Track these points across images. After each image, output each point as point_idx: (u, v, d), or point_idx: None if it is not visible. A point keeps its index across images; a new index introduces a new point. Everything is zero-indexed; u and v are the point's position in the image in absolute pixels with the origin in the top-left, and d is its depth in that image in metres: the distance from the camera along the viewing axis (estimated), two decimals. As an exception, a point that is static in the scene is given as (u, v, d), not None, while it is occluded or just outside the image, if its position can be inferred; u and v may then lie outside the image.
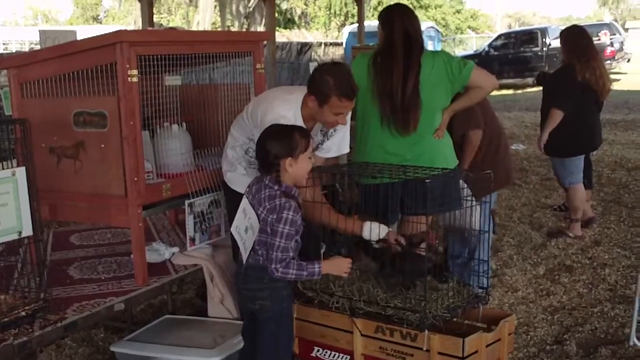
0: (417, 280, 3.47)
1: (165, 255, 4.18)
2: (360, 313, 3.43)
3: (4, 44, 31.65)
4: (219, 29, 31.89)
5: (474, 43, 37.75)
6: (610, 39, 24.53)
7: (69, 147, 3.85)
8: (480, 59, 23.56)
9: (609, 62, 22.71)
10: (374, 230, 3.63)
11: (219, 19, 34.01)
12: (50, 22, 58.50)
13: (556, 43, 8.85)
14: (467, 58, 5.09)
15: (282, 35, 34.51)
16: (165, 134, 4.15)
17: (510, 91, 22.95)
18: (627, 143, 11.70)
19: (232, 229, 3.33)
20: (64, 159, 3.88)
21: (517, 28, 42.12)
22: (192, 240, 4.12)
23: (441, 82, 4.10)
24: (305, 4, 45.55)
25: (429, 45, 24.95)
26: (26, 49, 26.39)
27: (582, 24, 13.00)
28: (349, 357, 3.53)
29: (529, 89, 23.01)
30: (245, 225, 3.23)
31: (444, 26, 42.92)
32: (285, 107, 3.62)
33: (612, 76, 9.61)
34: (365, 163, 4.08)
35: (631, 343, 4.28)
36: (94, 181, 3.81)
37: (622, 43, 26.12)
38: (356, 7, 16.91)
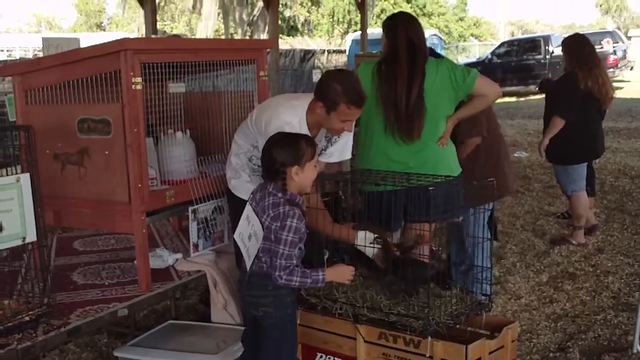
0: (420, 287, 3.47)
1: (168, 261, 4.20)
2: (363, 319, 3.43)
3: (7, 50, 31.76)
4: (222, 37, 31.96)
5: (477, 51, 37.79)
6: (613, 47, 24.53)
7: (73, 154, 3.87)
8: (483, 66, 23.55)
9: (611, 70, 22.71)
10: (367, 241, 3.64)
11: (222, 26, 34.05)
12: (53, 29, 58.65)
13: (559, 51, 8.90)
14: (470, 66, 5.09)
15: (285, 43, 34.56)
16: (169, 141, 4.17)
17: (513, 99, 22.94)
18: (630, 151, 11.70)
19: (235, 236, 3.34)
20: (68, 166, 3.90)
21: (520, 36, 42.13)
22: (196, 246, 4.13)
23: (445, 90, 4.11)
24: (309, 12, 45.63)
25: (432, 53, 24.91)
26: (30, 55, 26.46)
27: (584, 32, 13.03)
28: (351, 363, 3.53)
29: (531, 97, 22.99)
30: (248, 232, 3.24)
31: (447, 34, 43.02)
32: (290, 114, 3.63)
33: (615, 84, 9.63)
34: (368, 170, 4.08)
35: (634, 350, 4.28)
36: (98, 187, 3.82)
37: (624, 51, 26.12)
38: (359, 15, 16.97)
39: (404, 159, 4.12)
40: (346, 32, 41.15)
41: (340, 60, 27.38)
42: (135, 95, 3.66)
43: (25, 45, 32.53)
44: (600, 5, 62.30)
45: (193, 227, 4.07)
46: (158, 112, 3.92)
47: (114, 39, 3.88)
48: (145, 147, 3.76)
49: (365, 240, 3.66)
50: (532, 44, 25.44)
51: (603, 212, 7.67)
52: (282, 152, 3.20)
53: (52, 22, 62.22)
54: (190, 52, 4.13)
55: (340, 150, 3.96)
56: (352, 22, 42.94)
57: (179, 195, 4.01)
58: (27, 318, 3.23)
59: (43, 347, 3.21)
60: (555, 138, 6.26)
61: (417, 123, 4.05)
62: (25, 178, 3.18)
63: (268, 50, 5.19)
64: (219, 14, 32.95)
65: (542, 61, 24.33)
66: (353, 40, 26.47)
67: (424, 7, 47.75)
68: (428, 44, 4.31)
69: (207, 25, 32.36)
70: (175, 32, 37.88)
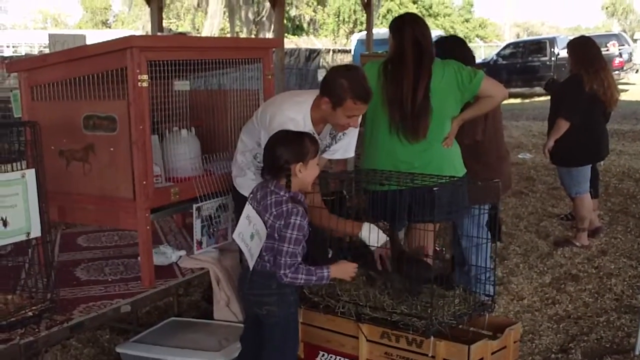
0: (424, 286, 3.47)
1: (172, 258, 4.20)
2: (366, 318, 3.43)
3: (13, 47, 31.80)
4: (227, 35, 31.98)
5: (482, 52, 37.70)
6: (619, 49, 24.52)
7: (79, 150, 3.87)
8: (488, 68, 23.50)
9: (617, 72, 22.67)
10: (372, 233, 3.64)
11: (227, 24, 34.08)
12: (59, 25, 58.75)
13: (564, 53, 8.90)
14: (475, 67, 5.08)
15: (291, 42, 34.60)
16: (174, 139, 4.18)
17: (518, 100, 22.92)
18: (635, 153, 11.69)
19: (235, 236, 3.34)
20: (73, 162, 3.91)
21: (525, 37, 42.09)
22: (199, 243, 4.13)
23: (451, 91, 4.11)
24: (314, 11, 45.64)
25: (437, 53, 24.91)
26: (35, 52, 26.46)
27: (590, 35, 13.01)
28: (354, 362, 3.54)
29: (536, 99, 22.98)
30: (250, 232, 3.24)
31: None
32: (295, 110, 3.64)
33: (621, 87, 9.61)
34: (373, 170, 4.08)
35: (637, 353, 4.28)
36: (102, 184, 3.83)
37: (630, 54, 26.12)
38: (365, 15, 16.96)
39: (408, 159, 4.12)
40: (352, 32, 41.18)
41: (346, 60, 27.39)
42: (141, 93, 3.66)
43: (31, 41, 32.57)
44: (607, 8, 62.18)
45: (197, 225, 4.08)
46: (163, 110, 3.93)
47: (121, 36, 3.88)
48: (150, 144, 3.76)
49: (369, 231, 3.66)
50: (538, 46, 25.43)
51: (607, 215, 7.67)
52: (287, 149, 3.21)
53: (58, 19, 62.32)
54: (197, 50, 4.13)
55: (344, 147, 3.97)
56: (358, 22, 42.98)
57: (184, 193, 4.02)
58: (30, 313, 3.23)
59: (45, 342, 3.22)
60: (559, 140, 6.25)
61: (423, 123, 4.05)
62: (31, 174, 3.18)
63: (274, 49, 5.19)
64: (224, 12, 33.00)
65: (548, 63, 24.31)
66: (358, 40, 26.49)
67: (430, 7, 47.80)
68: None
69: (213, 24, 32.42)
70: (180, 30, 37.89)
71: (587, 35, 8.40)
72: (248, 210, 3.28)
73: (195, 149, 4.27)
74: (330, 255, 3.87)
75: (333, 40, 42.71)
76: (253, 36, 33.00)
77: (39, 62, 4.21)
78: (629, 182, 9.37)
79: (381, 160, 4.17)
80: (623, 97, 9.45)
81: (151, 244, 3.87)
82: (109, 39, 3.97)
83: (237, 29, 32.76)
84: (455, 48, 4.96)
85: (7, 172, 3.17)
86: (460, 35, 47.20)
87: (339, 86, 3.49)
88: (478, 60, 30.12)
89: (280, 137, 3.29)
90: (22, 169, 3.19)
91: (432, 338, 3.23)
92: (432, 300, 3.31)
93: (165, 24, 23.45)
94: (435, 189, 3.38)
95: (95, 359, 4.35)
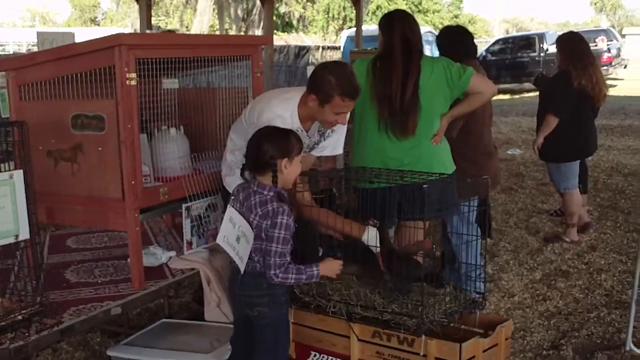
0: (414, 285, 3.47)
1: (162, 259, 4.18)
2: (357, 318, 3.42)
3: (1, 45, 31.63)
4: (217, 32, 31.91)
5: (472, 48, 37.75)
6: (607, 45, 24.62)
7: (67, 150, 3.84)
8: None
9: (605, 68, 22.80)
10: (375, 236, 3.64)
11: (217, 21, 34.01)
12: (47, 23, 58.57)
13: (553, 48, 8.92)
14: (474, 59, 5.11)
15: (280, 39, 34.55)
16: (163, 138, 4.15)
17: (507, 96, 22.97)
18: (623, 149, 11.73)
19: (219, 240, 3.30)
20: (62, 162, 3.88)
21: (514, 33, 42.17)
22: (189, 244, 4.11)
23: (440, 88, 4.11)
24: (304, 8, 45.60)
25: (427, 50, 24.94)
26: (24, 50, 26.35)
27: (579, 30, 13.03)
28: (345, 361, 3.53)
29: (526, 94, 23.05)
30: (236, 234, 3.21)
31: (441, 31, 42.93)
32: (283, 107, 3.62)
33: (609, 82, 9.67)
34: (362, 167, 4.08)
35: (627, 348, 4.29)
36: (91, 184, 3.80)
37: (619, 49, 26.22)
38: (354, 11, 16.95)
39: (398, 156, 4.11)
40: (341, 29, 41.16)
41: (335, 57, 27.33)
42: (129, 91, 3.63)
43: (19, 40, 32.42)
44: (595, 4, 62.44)
45: (186, 225, 4.06)
46: (152, 108, 3.90)
47: (109, 34, 3.85)
48: (139, 143, 3.74)
49: (373, 234, 3.66)
50: (527, 42, 25.49)
51: (596, 210, 7.69)
52: (273, 144, 3.18)
53: (46, 17, 62.10)
54: (185, 48, 4.11)
55: (333, 144, 3.96)
56: (347, 19, 42.98)
57: (173, 192, 3.99)
58: (19, 317, 3.20)
59: (36, 346, 3.19)
60: (548, 136, 6.27)
61: (412, 120, 4.05)
62: (19, 175, 3.16)
63: (263, 46, 5.17)
64: (214, 9, 32.94)
65: (537, 59, 24.37)
66: (348, 37, 26.43)
67: (420, 4, 47.84)
68: (423, 41, 4.30)
69: (203, 21, 32.36)
70: (169, 27, 37.80)
71: (575, 30, 8.41)
72: (230, 212, 3.26)
73: (184, 148, 4.25)
74: (320, 254, 3.86)
75: (322, 37, 42.70)
76: (242, 33, 32.95)
77: (26, 61, 4.17)
78: (618, 177, 9.40)
79: (370, 157, 4.17)
80: (611, 92, 9.50)
81: (141, 245, 3.84)
82: (98, 36, 3.93)
83: (226, 26, 32.72)
84: (456, 39, 4.99)
85: (-5, 173, 3.14)
86: (449, 31, 47.49)
87: (326, 83, 3.47)
88: (467, 56, 30.25)
89: (266, 133, 3.27)
90: (10, 170, 3.17)
91: (423, 337, 3.23)
92: (423, 299, 3.30)
93: (154, 21, 23.38)
94: (425, 186, 3.38)
95: (86, 362, 4.34)
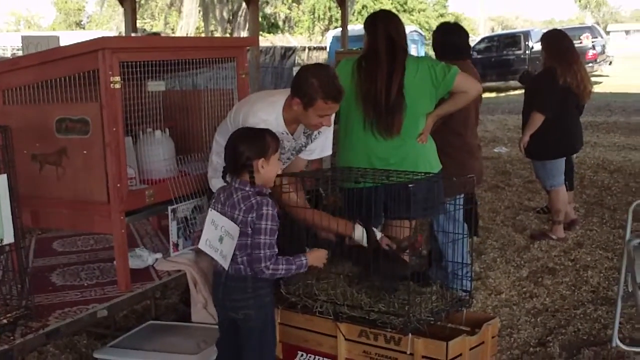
0: (400, 284, 3.48)
1: (148, 261, 4.16)
2: (343, 317, 3.43)
3: (-15, 49, 31.45)
4: (202, 34, 31.86)
5: (457, 46, 37.83)
6: (592, 42, 24.74)
7: (52, 154, 3.83)
8: (464, 62, 23.58)
9: (590, 64, 22.91)
10: (363, 234, 3.65)
11: (202, 23, 33.97)
12: (32, 27, 58.31)
13: (539, 46, 8.99)
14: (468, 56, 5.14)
15: (266, 40, 34.52)
16: (148, 140, 4.14)
17: (493, 94, 23.05)
18: (609, 145, 11.80)
19: (202, 245, 3.31)
20: (46, 166, 3.86)
21: (500, 31, 42.31)
22: (176, 245, 4.11)
23: (425, 87, 4.12)
24: (289, 9, 45.60)
25: (413, 49, 25.03)
26: (8, 54, 26.21)
27: (564, 27, 13.10)
28: (333, 361, 3.53)
29: (511, 92, 23.14)
30: (218, 235, 3.21)
31: (427, 30, 43.09)
32: (268, 110, 3.62)
33: (594, 79, 9.72)
34: (348, 167, 4.09)
35: (614, 344, 4.30)
36: (76, 188, 3.79)
37: (603, 46, 26.36)
38: (340, 11, 16.94)
39: (383, 155, 4.13)
40: (327, 29, 41.15)
41: (321, 57, 27.36)
42: (113, 94, 3.62)
43: (3, 44, 32.23)
44: (580, 1, 62.70)
45: (173, 227, 4.05)
46: (137, 111, 3.90)
47: (93, 38, 3.84)
48: (124, 146, 3.73)
49: (362, 232, 3.67)
50: (512, 40, 25.61)
51: (582, 207, 7.73)
52: (248, 145, 3.20)
53: (31, 21, 61.84)
54: (170, 51, 4.10)
55: (321, 146, 3.96)
56: (333, 19, 42.96)
57: (159, 195, 3.98)
58: (4, 321, 3.19)
59: (21, 350, 3.17)
60: (533, 133, 6.30)
61: (397, 119, 4.06)
62: (2, 179, 3.14)
63: (248, 48, 5.16)
64: (199, 11, 32.89)
65: (522, 56, 24.48)
66: (334, 37, 26.46)
67: (405, 3, 47.86)
68: (409, 40, 4.32)
69: (189, 23, 32.30)
70: (155, 30, 37.71)
71: (560, 28, 8.47)
72: (212, 215, 3.26)
73: (170, 150, 4.24)
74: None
75: (308, 37, 42.68)
76: (228, 35, 32.91)
77: (10, 65, 4.15)
78: (604, 173, 9.45)
79: (356, 157, 4.18)
80: (597, 89, 9.56)
81: (127, 247, 3.83)
82: (83, 40, 3.92)
83: (211, 27, 32.67)
84: (446, 35, 5.03)
85: (-21, 177, 3.13)
86: (435, 30, 47.58)
87: (309, 86, 3.47)
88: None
89: (241, 135, 3.29)
90: (-7, 175, 3.15)
91: (410, 335, 3.24)
92: (409, 298, 3.31)
93: (139, 24, 23.34)
94: (410, 185, 3.39)
95: (73, 365, 4.33)
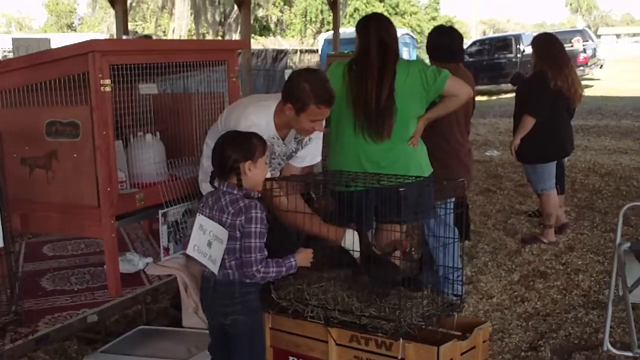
0: (391, 289, 3.46)
1: (139, 265, 4.15)
2: (334, 322, 3.41)
3: (-24, 52, 31.32)
4: (194, 37, 31.82)
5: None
6: (583, 45, 24.80)
7: (41, 157, 3.81)
8: (455, 65, 23.60)
9: (581, 68, 22.98)
10: (353, 240, 3.64)
11: (194, 26, 33.94)
12: (24, 29, 58.17)
13: (530, 49, 8.98)
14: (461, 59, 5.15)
15: (258, 43, 34.49)
16: (139, 144, 4.13)
17: (485, 97, 23.08)
18: (600, 149, 11.82)
19: (190, 250, 3.30)
20: (37, 169, 3.85)
21: (491, 35, 42.40)
22: (166, 250, 4.09)
23: (416, 91, 4.12)
24: (281, 11, 45.62)
25: (404, 52, 25.06)
26: (-1, 56, 26.12)
27: (555, 31, 13.15)
28: (324, 366, 3.52)
29: (503, 95, 23.17)
30: (206, 240, 3.20)
31: (419, 33, 43.22)
32: (259, 114, 3.62)
33: (585, 82, 9.75)
34: (339, 171, 4.08)
35: (605, 348, 4.31)
36: (66, 191, 3.77)
37: (594, 49, 26.44)
38: (332, 14, 16.94)
39: (374, 159, 4.13)
40: (319, 32, 41.21)
41: (313, 60, 27.37)
42: (104, 98, 3.61)
43: (-6, 46, 32.11)
44: (570, 4, 62.94)
45: (163, 231, 4.04)
46: (127, 114, 3.88)
47: (83, 41, 3.82)
48: (114, 150, 3.72)
49: (352, 238, 3.67)
50: (504, 43, 25.68)
51: (573, 210, 7.74)
52: (235, 148, 3.20)
53: (22, 23, 61.68)
54: (160, 54, 4.09)
55: (312, 153, 3.96)
56: (325, 22, 43.03)
57: (149, 199, 3.97)
58: (-6, 326, 3.18)
59: (10, 356, 3.15)
60: (524, 137, 6.31)
61: (387, 122, 4.06)
62: (-8, 183, 3.13)
63: (239, 51, 5.15)
64: (191, 14, 32.85)
65: (514, 60, 24.54)
66: (325, 40, 26.48)
67: (397, 6, 48.00)
68: (400, 44, 4.32)
69: (181, 26, 32.25)
70: (146, 32, 37.65)
71: (551, 31, 8.49)
72: (200, 220, 3.26)
73: (160, 154, 4.23)
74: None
75: (300, 40, 42.67)
76: (220, 38, 32.88)
77: (0, 68, 4.13)
78: (595, 177, 9.47)
79: (347, 160, 4.18)
80: (588, 92, 9.57)
81: (117, 252, 3.82)
82: (74, 42, 3.90)
83: (203, 30, 32.63)
84: (440, 38, 5.04)
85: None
86: (427, 33, 47.83)
87: (301, 91, 3.47)
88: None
89: (228, 138, 3.29)
90: (-17, 178, 3.14)
91: (401, 340, 3.22)
92: (400, 302, 3.30)
93: (131, 26, 23.26)
94: (401, 189, 3.38)
95: (63, 370, 4.30)
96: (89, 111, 3.62)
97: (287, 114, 3.56)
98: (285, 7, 45.79)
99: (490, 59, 25.12)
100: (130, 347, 3.85)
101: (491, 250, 6.46)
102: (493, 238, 6.83)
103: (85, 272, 4.21)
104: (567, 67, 6.31)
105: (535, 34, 8.05)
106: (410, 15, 49.25)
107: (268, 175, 3.43)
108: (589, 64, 24.94)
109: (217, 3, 32.85)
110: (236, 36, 30.82)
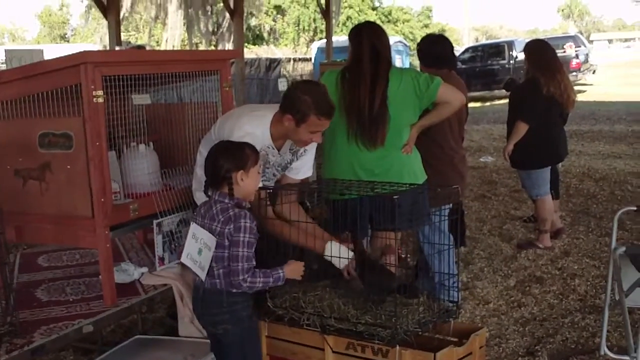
0: (387, 296, 3.47)
1: (134, 275, 4.14)
2: (331, 330, 3.41)
3: (-31, 64, 31.27)
4: (187, 47, 31.83)
5: (442, 57, 37.93)
6: (576, 51, 24.91)
7: (35, 169, 3.80)
8: (448, 72, 23.65)
9: (574, 74, 23.05)
10: (334, 252, 3.63)
11: (187, 36, 33.96)
12: (17, 40, 58.17)
13: (523, 56, 8.97)
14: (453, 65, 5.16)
15: (251, 52, 34.56)
16: (132, 154, 4.12)
17: (478, 104, 23.12)
18: (594, 154, 11.85)
19: (183, 258, 3.31)
20: (30, 181, 3.84)
21: (484, 41, 42.52)
22: (161, 259, 4.08)
23: (409, 98, 4.13)
24: (274, 20, 45.69)
25: (397, 60, 25.12)
26: (-8, 68, 26.08)
27: (547, 37, 13.19)
28: (321, 374, 3.52)
29: (496, 102, 23.23)
30: (197, 247, 3.21)
31: (412, 40, 43.31)
32: (254, 124, 3.62)
33: (578, 88, 9.78)
34: (333, 179, 4.08)
35: (602, 353, 4.31)
36: (60, 203, 3.76)
37: (587, 55, 26.53)
38: (324, 23, 16.97)
39: (368, 166, 4.13)
40: (312, 40, 41.28)
41: (306, 69, 27.41)
42: (96, 109, 3.60)
43: (-13, 58, 32.08)
44: (562, 10, 63.18)
45: (158, 240, 4.03)
46: (120, 125, 3.88)
47: (75, 52, 3.82)
48: (107, 160, 3.70)
49: (332, 250, 3.64)
50: (496, 49, 25.76)
51: (568, 215, 7.75)
52: (227, 158, 3.21)
53: (15, 34, 61.66)
54: (153, 64, 4.08)
55: (308, 165, 3.98)
56: (318, 30, 43.10)
57: (143, 209, 3.96)
58: (-11, 338, 3.17)
59: (6, 366, 3.16)
60: (518, 143, 6.32)
61: (381, 130, 4.07)
62: (-15, 195, 3.13)
63: (232, 60, 5.16)
64: (184, 23, 32.87)
65: (507, 66, 24.61)
66: (319, 48, 26.54)
67: (390, 14, 48.15)
68: (393, 51, 4.34)
69: (174, 36, 32.27)
70: (139, 42, 37.65)
71: (544, 37, 8.51)
72: (193, 228, 3.27)
73: (154, 164, 4.22)
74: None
75: (293, 49, 42.76)
76: (213, 47, 32.90)
77: (-8, 80, 4.13)
78: (589, 182, 9.49)
79: (341, 168, 4.18)
80: (581, 98, 9.60)
81: (112, 262, 3.81)
82: (67, 53, 3.90)
83: (196, 40, 32.65)
84: (431, 46, 5.06)
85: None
86: (420, 40, 47.86)
87: (302, 103, 3.48)
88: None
89: (220, 148, 3.30)
90: (-24, 191, 3.13)
91: (397, 347, 3.22)
92: (397, 309, 3.30)
93: (124, 36, 23.31)
94: (395, 197, 3.38)
95: (58, 381, 4.28)
96: (81, 122, 3.61)
97: (286, 124, 3.56)
98: (278, 16, 45.90)
99: (484, 65, 25.19)
100: (127, 357, 3.82)
101: (487, 256, 6.46)
102: (489, 244, 6.84)
103: (81, 283, 4.20)
104: (560, 73, 6.33)
105: (527, 40, 8.06)
106: (403, 23, 49.40)
107: (259, 185, 3.43)
108: (581, 69, 25.04)
109: (209, 13, 32.89)
110: (229, 45, 30.84)
